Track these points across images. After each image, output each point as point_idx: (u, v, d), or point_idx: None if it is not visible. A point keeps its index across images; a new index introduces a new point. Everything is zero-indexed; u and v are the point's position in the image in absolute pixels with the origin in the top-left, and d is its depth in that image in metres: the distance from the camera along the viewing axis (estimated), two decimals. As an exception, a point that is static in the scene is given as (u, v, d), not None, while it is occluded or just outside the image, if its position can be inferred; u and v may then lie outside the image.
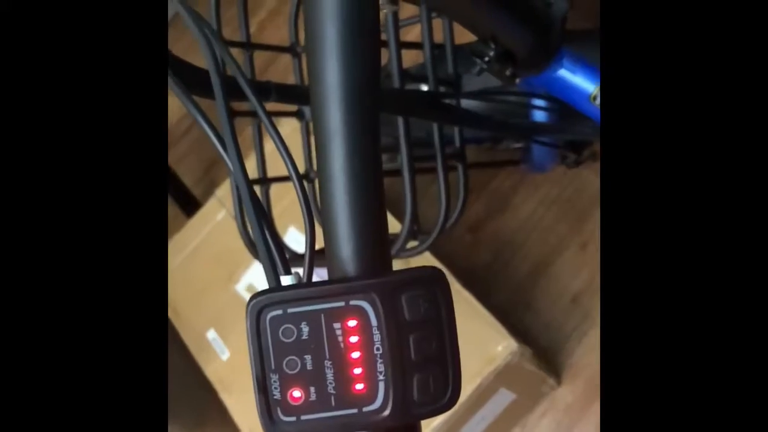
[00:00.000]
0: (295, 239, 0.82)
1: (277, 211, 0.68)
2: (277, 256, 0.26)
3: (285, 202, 0.82)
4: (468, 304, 0.75)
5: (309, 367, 0.21)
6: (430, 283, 0.21)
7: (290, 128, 0.87)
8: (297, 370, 0.21)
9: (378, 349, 0.21)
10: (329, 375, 0.21)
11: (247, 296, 0.84)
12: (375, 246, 0.22)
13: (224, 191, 0.87)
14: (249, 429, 0.77)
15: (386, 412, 0.21)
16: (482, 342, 0.72)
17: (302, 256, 0.65)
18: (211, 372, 0.81)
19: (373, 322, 0.21)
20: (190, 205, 1.05)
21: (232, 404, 0.79)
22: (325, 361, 0.21)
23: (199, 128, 0.30)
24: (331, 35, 0.21)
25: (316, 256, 0.26)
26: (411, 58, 0.66)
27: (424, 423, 0.24)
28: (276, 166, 0.59)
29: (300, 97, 0.46)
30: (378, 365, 0.21)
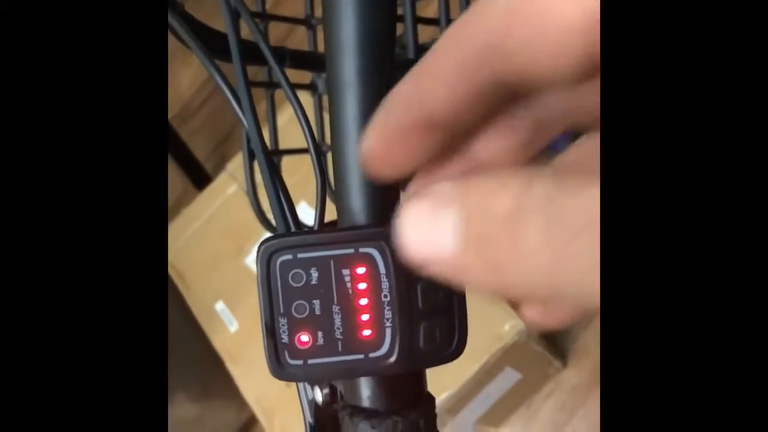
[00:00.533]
0: (306, 213, 0.83)
1: (289, 185, 0.69)
2: (286, 207, 0.26)
3: (296, 177, 0.83)
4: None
5: (317, 312, 0.21)
6: None
7: (302, 102, 0.88)
8: (305, 314, 0.21)
9: (386, 296, 0.21)
10: (337, 320, 0.21)
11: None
12: (386, 196, 0.22)
13: (236, 165, 0.88)
14: (255, 399, 0.78)
15: (392, 359, 0.21)
16: (490, 320, 0.72)
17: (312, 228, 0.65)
18: (218, 343, 0.82)
19: (382, 269, 0.21)
20: (201, 179, 1.06)
21: (239, 375, 0.79)
22: (333, 307, 0.21)
23: (218, 93, 0.31)
24: None
25: (316, 147, 0.26)
26: (427, 35, 0.66)
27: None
28: (287, 142, 0.59)
29: (315, 63, 0.46)
30: (385, 312, 0.21)
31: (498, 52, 0.13)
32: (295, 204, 0.77)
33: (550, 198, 0.11)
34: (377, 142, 0.17)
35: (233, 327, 0.82)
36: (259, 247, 0.21)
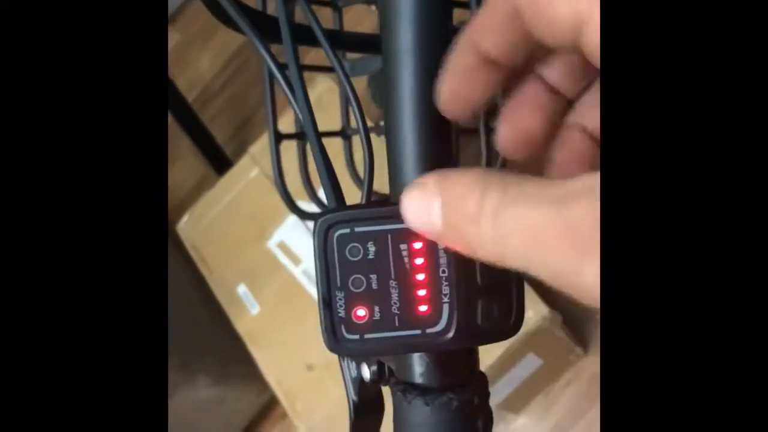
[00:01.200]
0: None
1: (313, 168, 0.68)
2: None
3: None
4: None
5: (374, 286, 0.21)
6: None
7: (325, 87, 0.87)
8: (362, 288, 0.21)
9: (444, 271, 0.21)
10: (394, 295, 0.21)
11: (278, 253, 0.85)
12: (441, 170, 0.22)
13: (258, 149, 0.88)
14: (276, 381, 0.79)
15: (449, 335, 0.21)
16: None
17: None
18: (240, 326, 0.82)
19: (440, 244, 0.21)
20: (222, 163, 1.06)
21: (261, 357, 0.80)
22: (391, 281, 0.21)
23: (239, 77, 0.30)
24: None
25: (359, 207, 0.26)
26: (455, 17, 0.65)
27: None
28: (322, 119, 0.58)
29: (346, 43, 0.45)
30: (443, 288, 0.21)
31: (522, 18, 0.18)
32: (319, 185, 0.76)
33: (496, 207, 0.16)
34: (451, 83, 0.20)
35: (255, 310, 0.82)
36: (316, 221, 0.21)
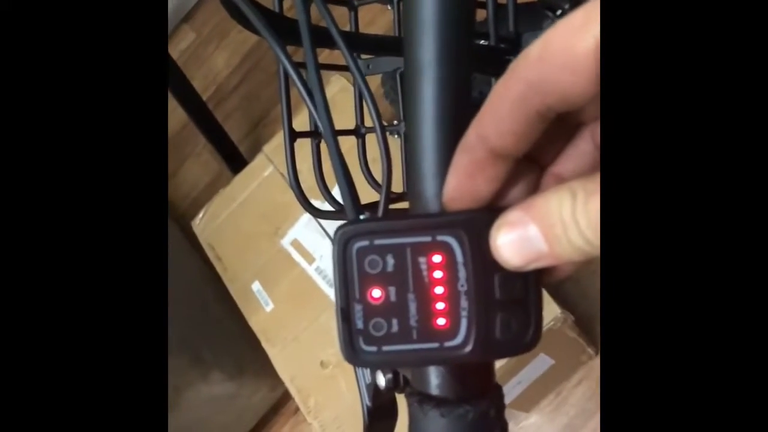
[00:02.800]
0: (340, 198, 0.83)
1: (326, 167, 0.69)
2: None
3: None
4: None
5: (392, 299, 0.21)
6: None
7: (338, 87, 0.87)
8: (380, 301, 0.21)
9: (462, 285, 0.21)
10: (412, 308, 0.21)
11: (291, 251, 0.85)
12: None
13: (272, 147, 0.88)
14: (290, 378, 0.79)
15: (467, 348, 0.21)
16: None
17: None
18: (255, 323, 0.83)
19: (459, 258, 0.21)
20: (236, 161, 1.06)
21: (275, 354, 0.80)
22: (409, 294, 0.21)
23: (253, 75, 0.31)
24: None
25: (370, 212, 0.26)
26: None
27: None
28: (338, 117, 0.58)
29: (363, 45, 0.46)
30: (462, 301, 0.21)
31: (538, 89, 0.18)
32: (333, 184, 0.77)
33: (589, 207, 0.17)
34: (459, 180, 0.21)
35: (269, 307, 0.83)
36: (336, 232, 0.21)
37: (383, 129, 0.26)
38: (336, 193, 0.87)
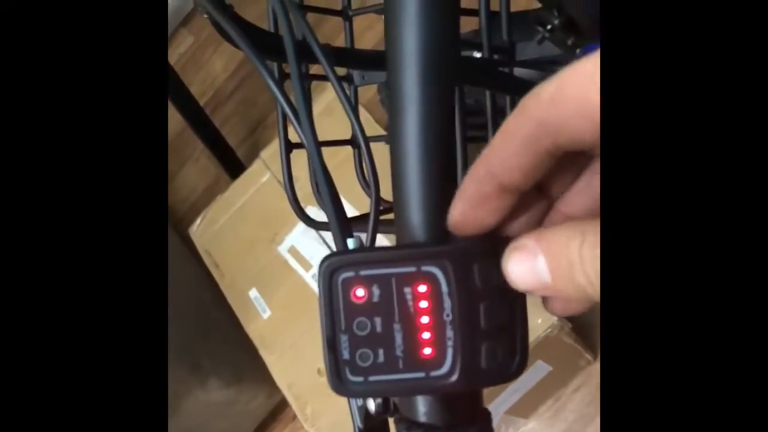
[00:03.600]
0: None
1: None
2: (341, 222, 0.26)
3: (330, 166, 0.83)
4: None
5: (378, 329, 0.21)
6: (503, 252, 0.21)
7: (334, 94, 0.87)
8: (366, 331, 0.21)
9: (448, 315, 0.21)
10: (398, 338, 0.21)
11: (289, 258, 0.85)
12: (447, 213, 0.22)
13: (269, 153, 0.88)
14: (287, 385, 0.79)
15: (453, 378, 0.21)
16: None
17: (350, 220, 0.65)
18: (252, 330, 0.83)
19: (444, 288, 0.21)
20: (234, 166, 1.06)
21: (272, 362, 0.81)
22: (395, 325, 0.21)
23: (251, 80, 0.31)
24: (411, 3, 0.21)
25: (363, 223, 0.26)
26: (463, 25, 0.65)
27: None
28: (320, 133, 0.59)
29: (358, 61, 0.46)
30: (447, 331, 0.21)
31: (549, 130, 0.18)
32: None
33: (596, 251, 0.18)
34: (464, 209, 0.21)
35: (266, 314, 0.83)
36: (321, 264, 0.21)
37: (370, 154, 0.26)
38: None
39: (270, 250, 0.85)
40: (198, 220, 0.91)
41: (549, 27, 0.40)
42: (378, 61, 0.44)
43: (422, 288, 0.21)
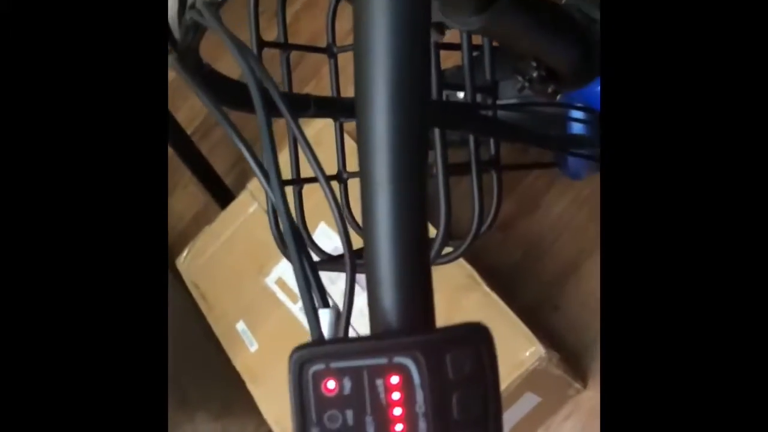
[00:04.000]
0: (326, 234, 0.82)
1: (308, 207, 0.68)
2: (318, 295, 0.26)
3: (317, 196, 0.83)
4: (496, 308, 0.75)
5: (350, 422, 0.21)
6: (476, 342, 0.21)
7: (323, 122, 0.87)
8: (338, 424, 0.21)
9: (420, 407, 0.21)
10: (370, 431, 0.21)
11: (276, 290, 0.85)
12: (419, 299, 0.22)
13: (256, 184, 0.88)
14: (275, 420, 0.79)
15: (426, 470, 0.21)
16: (510, 347, 0.72)
17: (335, 258, 0.64)
18: (239, 363, 0.82)
19: (416, 380, 0.21)
20: (222, 194, 1.06)
21: (260, 395, 0.80)
22: (366, 417, 0.21)
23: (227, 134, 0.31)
24: (381, 93, 0.21)
25: (351, 257, 0.26)
26: (445, 59, 0.65)
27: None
28: (306, 164, 0.58)
29: (340, 110, 0.46)
30: (420, 423, 0.21)
31: None
32: (314, 226, 0.77)
33: None
34: None
35: (253, 347, 0.82)
36: (291, 356, 0.21)
37: (346, 231, 0.26)
38: (317, 237, 0.86)
39: (257, 282, 0.84)
40: (185, 252, 0.90)
41: (528, 78, 0.40)
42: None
43: (394, 380, 0.21)
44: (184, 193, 1.14)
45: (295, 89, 0.63)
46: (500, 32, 0.35)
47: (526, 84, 0.41)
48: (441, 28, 0.37)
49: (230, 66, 0.37)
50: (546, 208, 0.96)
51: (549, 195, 0.95)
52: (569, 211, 0.95)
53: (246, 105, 0.35)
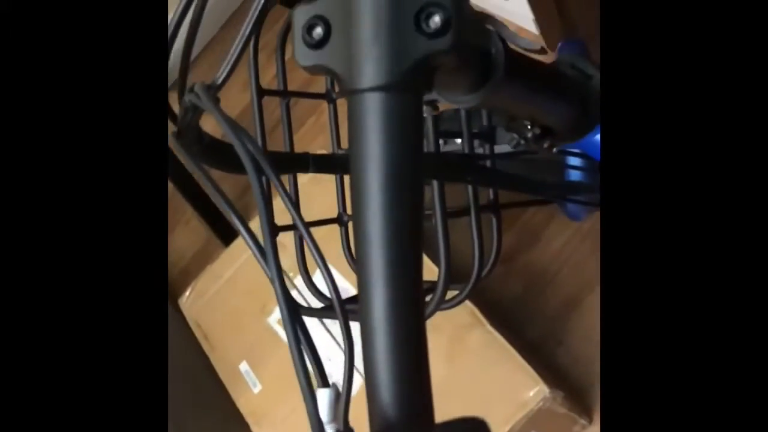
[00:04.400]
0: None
1: (308, 249, 0.69)
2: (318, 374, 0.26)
3: (319, 232, 0.83)
4: (500, 348, 0.74)
5: None
6: None
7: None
8: None
9: None
10: None
11: (278, 329, 0.85)
12: (418, 395, 0.22)
13: (257, 224, 0.88)
14: (280, 462, 0.78)
15: None
16: (514, 387, 0.71)
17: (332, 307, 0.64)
18: (243, 404, 0.82)
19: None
20: (224, 230, 1.07)
21: (264, 437, 0.80)
22: None
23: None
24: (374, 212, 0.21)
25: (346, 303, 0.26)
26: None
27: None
28: (307, 201, 0.59)
29: (338, 166, 0.46)
30: None
31: None
32: (314, 267, 0.76)
33: None
34: None
35: (257, 388, 0.82)
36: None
37: (344, 313, 0.26)
38: (317, 280, 0.86)
39: (259, 322, 0.84)
40: (187, 292, 0.90)
41: (523, 137, 0.40)
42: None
43: None
44: (186, 229, 1.15)
45: (295, 125, 0.63)
46: (496, 105, 0.35)
47: (522, 141, 0.41)
48: (435, 104, 0.38)
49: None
50: (547, 242, 0.96)
51: (549, 229, 0.96)
52: (570, 245, 0.95)
53: (238, 168, 0.35)
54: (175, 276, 1.10)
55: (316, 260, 0.29)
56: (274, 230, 0.62)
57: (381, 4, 0.21)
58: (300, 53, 0.23)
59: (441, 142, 0.55)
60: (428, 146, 0.51)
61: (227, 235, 1.02)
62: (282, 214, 0.59)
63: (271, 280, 0.29)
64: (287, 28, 0.64)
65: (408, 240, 0.22)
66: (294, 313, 0.27)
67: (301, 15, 0.23)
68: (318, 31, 0.22)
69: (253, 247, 0.28)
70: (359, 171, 0.22)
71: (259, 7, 0.28)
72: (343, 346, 0.24)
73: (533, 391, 0.71)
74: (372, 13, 0.21)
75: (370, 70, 0.21)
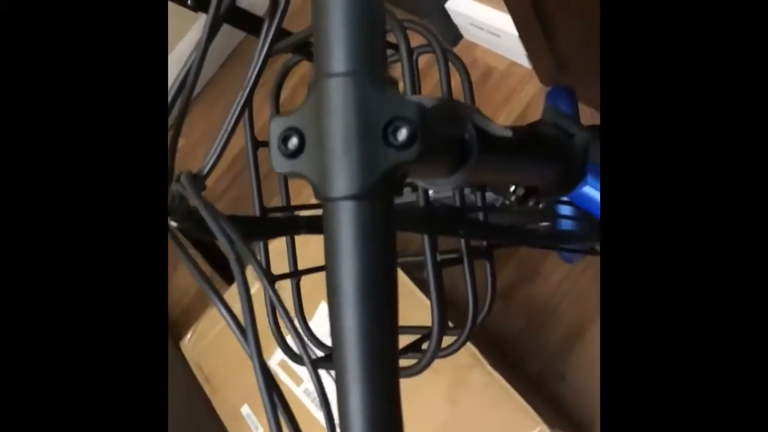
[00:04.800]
0: (326, 315, 0.83)
1: (306, 287, 0.69)
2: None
3: (313, 278, 0.84)
4: (500, 388, 0.74)
5: None
6: None
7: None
8: None
9: None
10: None
11: (280, 372, 0.85)
12: None
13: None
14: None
15: None
16: (514, 428, 0.71)
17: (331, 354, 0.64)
18: (245, 448, 0.82)
19: None
20: (226, 268, 1.07)
21: (266, 482, 0.80)
22: None
23: (241, 179, 0.32)
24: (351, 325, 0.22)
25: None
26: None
27: None
28: (301, 245, 0.59)
29: (308, 227, 0.47)
30: None
31: None
32: (314, 307, 0.77)
33: None
34: None
35: (258, 431, 0.82)
36: None
37: (316, 373, 0.27)
38: (317, 318, 0.86)
39: (261, 364, 0.84)
40: (189, 334, 0.91)
41: (506, 198, 0.41)
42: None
43: None
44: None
45: (292, 192, 0.64)
46: (476, 181, 0.36)
47: (506, 202, 0.42)
48: (413, 186, 0.39)
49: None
50: (546, 275, 0.96)
51: (548, 262, 0.96)
52: (570, 278, 0.95)
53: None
54: (177, 315, 1.11)
55: (286, 324, 0.30)
56: (252, 312, 0.62)
57: (351, 119, 0.22)
58: (276, 162, 0.24)
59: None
60: (420, 200, 0.52)
61: (229, 273, 1.03)
62: (278, 256, 0.60)
63: (251, 356, 0.30)
64: (282, 79, 0.65)
65: (380, 337, 0.23)
66: (271, 389, 0.28)
67: (277, 126, 0.24)
68: (293, 141, 0.23)
69: (233, 325, 0.29)
70: (334, 275, 0.23)
71: (242, 101, 0.29)
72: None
73: (534, 431, 0.71)
74: (342, 126, 0.22)
75: (341, 181, 0.22)
